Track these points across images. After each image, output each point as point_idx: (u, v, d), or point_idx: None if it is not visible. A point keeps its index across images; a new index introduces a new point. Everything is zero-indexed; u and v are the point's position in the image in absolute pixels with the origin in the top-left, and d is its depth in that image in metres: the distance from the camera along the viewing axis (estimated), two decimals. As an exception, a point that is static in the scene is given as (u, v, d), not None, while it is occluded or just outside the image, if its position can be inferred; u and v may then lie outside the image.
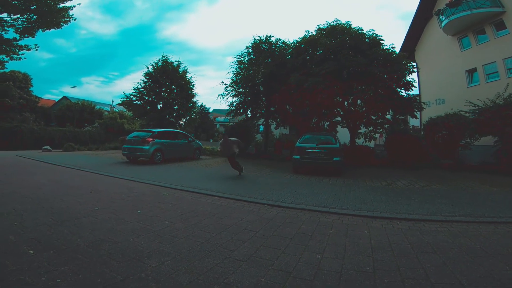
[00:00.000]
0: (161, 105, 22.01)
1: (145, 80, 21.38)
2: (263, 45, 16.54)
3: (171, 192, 6.21)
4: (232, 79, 16.72)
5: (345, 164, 9.94)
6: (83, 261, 2.65)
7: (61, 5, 12.20)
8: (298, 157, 9.42)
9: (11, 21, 11.88)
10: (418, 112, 13.39)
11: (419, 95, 15.62)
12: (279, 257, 2.94)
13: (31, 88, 32.02)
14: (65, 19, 12.95)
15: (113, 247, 3.01)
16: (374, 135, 13.94)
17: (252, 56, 16.87)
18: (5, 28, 11.95)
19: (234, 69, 16.81)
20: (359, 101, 13.37)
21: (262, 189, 6.64)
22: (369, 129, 13.71)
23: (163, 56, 21.65)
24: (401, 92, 12.68)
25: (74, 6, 12.53)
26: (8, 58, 13.71)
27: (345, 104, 13.57)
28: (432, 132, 11.64)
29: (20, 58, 13.89)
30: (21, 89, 30.12)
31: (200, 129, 35.55)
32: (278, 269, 2.67)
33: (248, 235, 3.58)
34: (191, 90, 22.45)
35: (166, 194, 5.97)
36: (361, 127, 13.84)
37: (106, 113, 34.40)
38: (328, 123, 14.21)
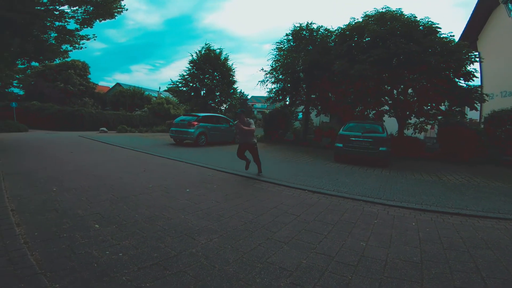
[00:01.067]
0: (204, 92, 22.86)
1: (189, 67, 22.28)
2: (304, 32, 16.18)
3: (215, 173, 6.52)
4: (272, 66, 16.62)
5: (391, 155, 9.45)
6: (141, 236, 2.88)
7: None
8: (341, 145, 9.17)
9: (71, 13, 12.92)
10: (479, 104, 12.08)
11: (481, 86, 14.01)
12: (321, 241, 2.99)
13: (89, 76, 35.12)
14: (118, 9, 13.74)
15: (167, 223, 3.26)
16: (425, 127, 12.96)
17: (292, 43, 16.62)
18: (67, 19, 12.96)
19: (273, 56, 16.72)
20: (410, 90, 12.49)
21: (302, 176, 6.64)
22: (420, 120, 12.79)
23: (206, 44, 22.34)
24: (459, 82, 11.55)
25: None
26: (71, 47, 14.86)
27: (394, 92, 12.77)
28: (494, 126, 10.50)
29: (81, 48, 14.97)
30: (81, 76, 33.21)
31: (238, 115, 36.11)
32: (320, 252, 2.72)
33: (289, 219, 3.66)
34: (232, 77, 23.02)
35: (211, 175, 6.29)
36: (412, 117, 12.96)
37: (154, 98, 36.47)
38: (374, 112, 13.55)
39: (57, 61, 17.09)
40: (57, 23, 13.02)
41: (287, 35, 16.65)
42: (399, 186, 6.00)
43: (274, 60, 16.50)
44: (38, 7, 11.35)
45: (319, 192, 5.16)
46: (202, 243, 2.80)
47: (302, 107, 17.86)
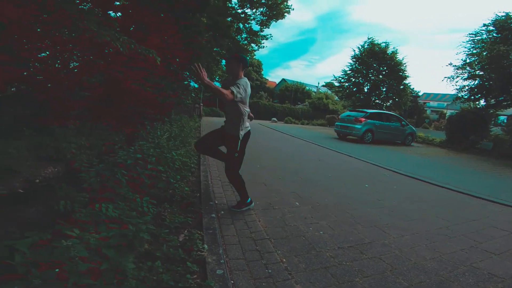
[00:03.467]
0: (368, 87, 21.96)
1: (352, 62, 22.02)
2: None
3: (390, 173, 6.21)
4: (464, 60, 14.21)
5: None
6: (334, 219, 3.16)
7: None
8: None
9: (252, 15, 15.16)
10: None
11: None
12: (549, 262, 2.45)
13: (262, 72, 40.78)
14: (286, 9, 15.02)
15: (354, 213, 3.44)
16: None
17: (494, 35, 13.63)
18: (249, 21, 15.28)
19: (467, 49, 14.13)
20: None
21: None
22: None
23: (368, 38, 21.65)
24: None
25: None
26: (257, 47, 17.45)
27: None
28: None
29: (263, 47, 17.45)
30: (257, 72, 39.06)
31: (407, 113, 31.93)
32: (547, 269, 2.26)
33: (499, 233, 3.18)
34: (403, 72, 20.98)
35: (385, 174, 6.06)
36: None
37: (313, 93, 38.19)
38: None
39: (247, 58, 20.52)
40: (247, 25, 15.75)
41: (485, 25, 13.86)
42: None
43: (468, 54, 14.01)
44: (233, 11, 14.11)
45: (545, 215, 3.99)
46: (393, 237, 2.82)
47: None
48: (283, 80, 47.95)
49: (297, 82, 41.68)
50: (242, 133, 2.94)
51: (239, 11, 14.14)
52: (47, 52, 5.27)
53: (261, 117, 24.35)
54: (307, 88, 41.51)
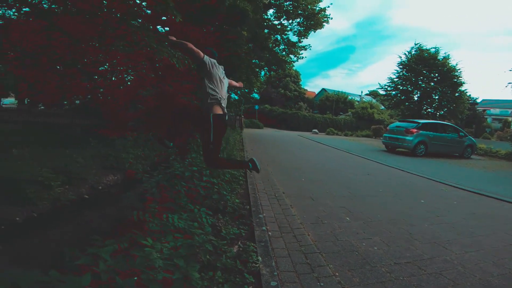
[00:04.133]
0: (418, 95, 20.71)
1: (398, 70, 21.09)
2: None
3: (450, 189, 5.68)
4: None
5: None
6: (389, 235, 3.01)
7: (318, 7, 13.97)
8: None
9: (289, 26, 15.11)
10: None
11: None
12: None
13: (300, 83, 40.49)
14: (324, 19, 14.73)
15: (411, 229, 3.24)
16: None
17: None
18: (286, 32, 15.22)
19: None
20: None
21: None
22: None
23: (415, 44, 20.75)
24: None
25: (328, 7, 13.97)
26: (296, 58, 17.33)
27: None
28: None
29: (302, 58, 17.30)
30: (295, 83, 38.88)
31: (463, 122, 29.06)
32: None
33: None
34: (458, 78, 19.45)
35: (445, 190, 5.56)
36: None
37: (357, 103, 36.93)
38: None
39: (287, 69, 20.42)
40: (284, 36, 15.75)
41: None
42: None
43: None
44: (270, 23, 14.26)
45: None
46: (455, 253, 2.68)
47: None
48: (323, 90, 47.13)
49: (338, 91, 40.71)
50: (213, 113, 2.81)
51: (276, 22, 14.27)
52: (106, 65, 5.84)
53: (301, 129, 24.12)
54: (350, 97, 40.28)
